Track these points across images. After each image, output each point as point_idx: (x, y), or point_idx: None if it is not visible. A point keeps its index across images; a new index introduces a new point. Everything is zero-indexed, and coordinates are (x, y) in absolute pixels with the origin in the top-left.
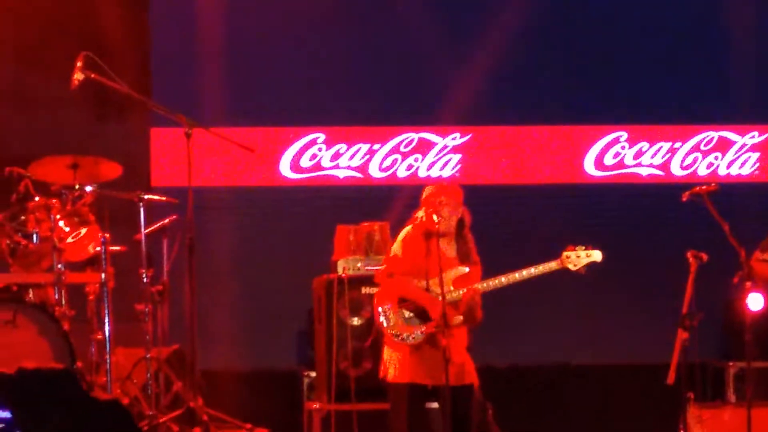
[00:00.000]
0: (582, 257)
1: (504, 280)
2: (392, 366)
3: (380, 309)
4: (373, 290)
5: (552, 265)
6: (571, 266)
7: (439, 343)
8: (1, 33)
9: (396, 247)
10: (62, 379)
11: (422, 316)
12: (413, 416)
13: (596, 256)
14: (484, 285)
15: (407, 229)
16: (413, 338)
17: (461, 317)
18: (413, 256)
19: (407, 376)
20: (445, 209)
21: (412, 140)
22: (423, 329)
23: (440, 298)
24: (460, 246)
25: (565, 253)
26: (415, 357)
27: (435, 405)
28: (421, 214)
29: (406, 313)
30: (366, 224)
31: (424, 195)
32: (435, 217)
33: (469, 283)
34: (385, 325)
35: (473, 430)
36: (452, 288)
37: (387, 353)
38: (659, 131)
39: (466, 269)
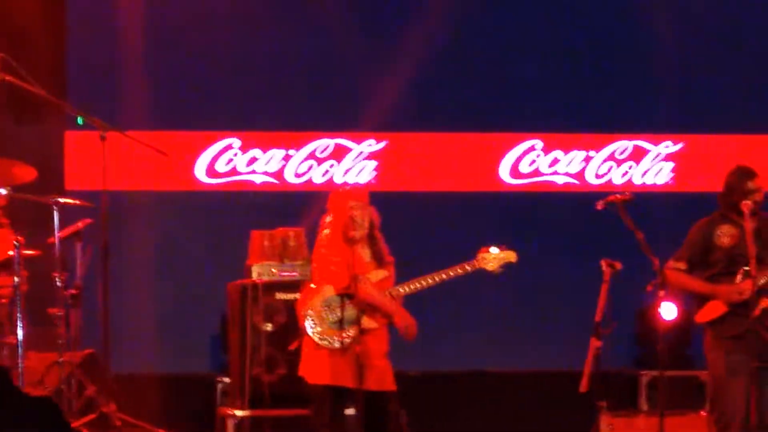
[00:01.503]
0: (497, 258)
1: (422, 283)
2: (314, 367)
3: (305, 313)
4: (288, 296)
5: (468, 266)
6: (487, 266)
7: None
8: None
9: (324, 251)
10: None
11: (350, 321)
12: (335, 418)
13: (511, 256)
14: (403, 289)
15: (326, 232)
16: (340, 342)
17: (383, 321)
18: (340, 262)
19: (328, 378)
20: (357, 213)
21: (327, 146)
22: (349, 333)
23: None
24: (372, 247)
25: (480, 254)
26: (336, 358)
27: (351, 411)
28: (330, 219)
29: (332, 317)
30: (281, 230)
31: (331, 200)
32: (355, 220)
33: (387, 285)
34: (310, 330)
35: None
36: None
37: (308, 352)
38: (574, 140)
39: (385, 272)
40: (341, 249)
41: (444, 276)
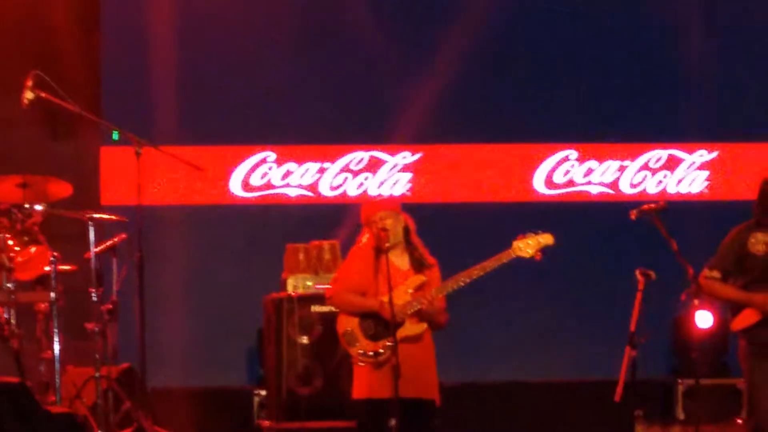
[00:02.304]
0: (533, 243)
1: (460, 282)
2: (356, 383)
3: (342, 333)
4: (323, 309)
5: (504, 257)
6: (524, 254)
7: (395, 358)
8: None
9: (343, 268)
10: (17, 392)
11: (384, 331)
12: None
13: (548, 239)
14: (443, 289)
15: (356, 249)
16: (381, 351)
17: (424, 326)
18: (365, 274)
19: (365, 392)
20: (388, 221)
21: (362, 159)
22: (389, 342)
23: (395, 309)
24: (411, 254)
25: (515, 243)
26: (376, 372)
27: (393, 422)
28: (365, 238)
29: (369, 332)
30: (316, 243)
31: (363, 216)
32: (387, 231)
33: (428, 289)
34: (350, 348)
35: None
36: (411, 299)
37: (354, 372)
38: (609, 149)
39: (423, 278)
40: (367, 261)
41: (480, 271)
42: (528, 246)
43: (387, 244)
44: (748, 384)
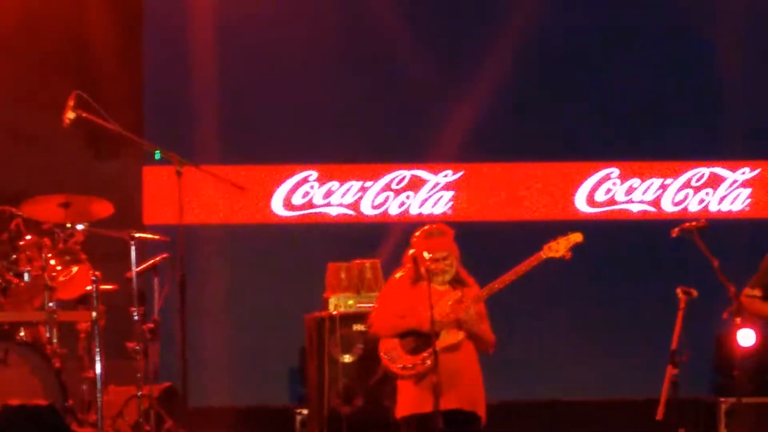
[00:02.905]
0: (563, 242)
1: (495, 287)
2: (399, 401)
3: (383, 353)
4: (365, 328)
5: (534, 260)
6: (555, 254)
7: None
8: None
9: (381, 298)
10: (45, 414)
11: (424, 344)
12: None
13: (577, 237)
14: (478, 299)
15: (391, 280)
16: (421, 363)
17: (462, 334)
18: (402, 300)
19: (409, 408)
20: (449, 260)
21: (404, 177)
22: (428, 353)
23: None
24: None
25: (546, 245)
26: (418, 386)
27: None
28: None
29: (409, 347)
30: (357, 261)
31: (424, 248)
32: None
33: (466, 301)
34: (391, 364)
35: None
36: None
37: (398, 390)
38: (651, 167)
39: (459, 293)
40: (409, 288)
41: (513, 276)
42: (558, 246)
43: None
44: None
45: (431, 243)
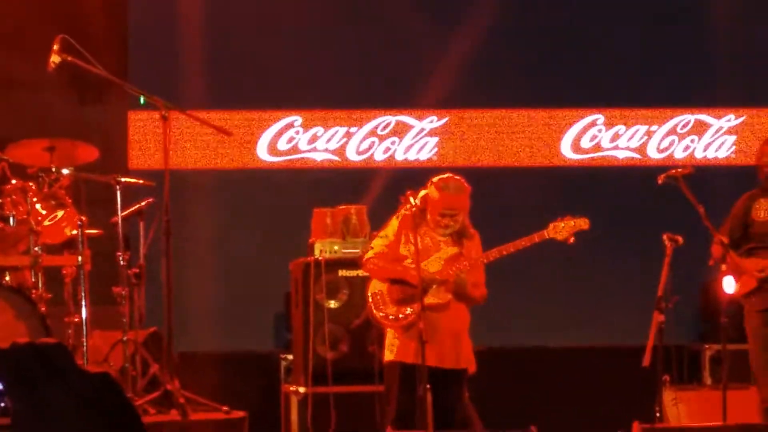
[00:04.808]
0: (568, 226)
1: (491, 257)
2: (388, 347)
3: (371, 294)
4: (350, 273)
5: (537, 237)
6: (558, 236)
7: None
8: None
9: (389, 231)
10: (55, 351)
11: (411, 298)
12: (402, 396)
13: (584, 224)
14: (472, 261)
15: (395, 219)
16: (404, 316)
17: (449, 296)
18: (401, 243)
19: (393, 355)
20: (460, 216)
21: (389, 123)
22: (414, 307)
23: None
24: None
25: (552, 224)
26: (404, 337)
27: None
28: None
29: (396, 296)
30: (343, 207)
31: (438, 203)
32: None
33: (462, 261)
34: (375, 309)
35: (457, 420)
36: (440, 269)
37: (387, 336)
38: (636, 114)
39: (456, 249)
40: (411, 231)
41: (512, 248)
42: (564, 228)
43: (440, 235)
44: (750, 350)
45: (445, 197)
